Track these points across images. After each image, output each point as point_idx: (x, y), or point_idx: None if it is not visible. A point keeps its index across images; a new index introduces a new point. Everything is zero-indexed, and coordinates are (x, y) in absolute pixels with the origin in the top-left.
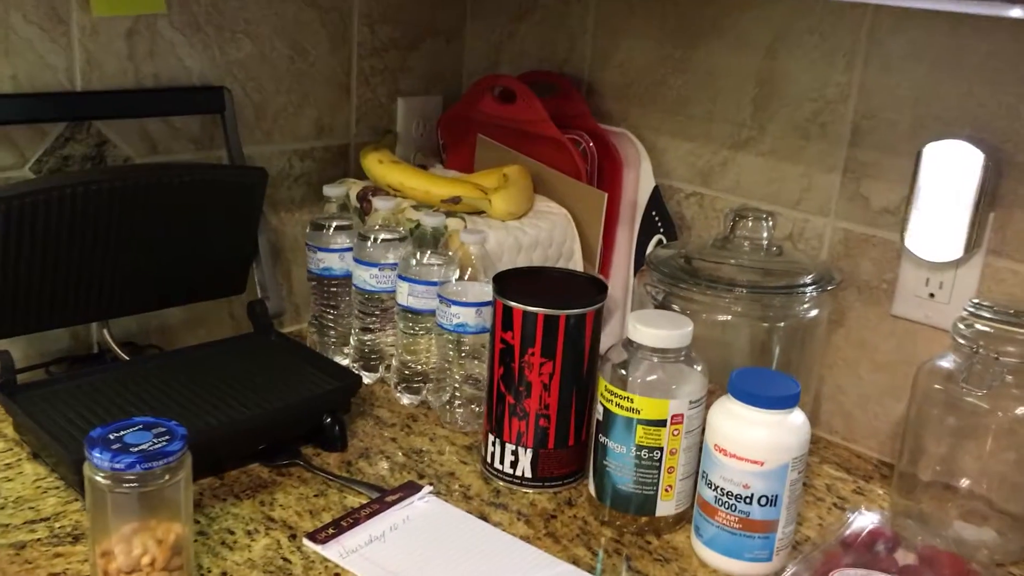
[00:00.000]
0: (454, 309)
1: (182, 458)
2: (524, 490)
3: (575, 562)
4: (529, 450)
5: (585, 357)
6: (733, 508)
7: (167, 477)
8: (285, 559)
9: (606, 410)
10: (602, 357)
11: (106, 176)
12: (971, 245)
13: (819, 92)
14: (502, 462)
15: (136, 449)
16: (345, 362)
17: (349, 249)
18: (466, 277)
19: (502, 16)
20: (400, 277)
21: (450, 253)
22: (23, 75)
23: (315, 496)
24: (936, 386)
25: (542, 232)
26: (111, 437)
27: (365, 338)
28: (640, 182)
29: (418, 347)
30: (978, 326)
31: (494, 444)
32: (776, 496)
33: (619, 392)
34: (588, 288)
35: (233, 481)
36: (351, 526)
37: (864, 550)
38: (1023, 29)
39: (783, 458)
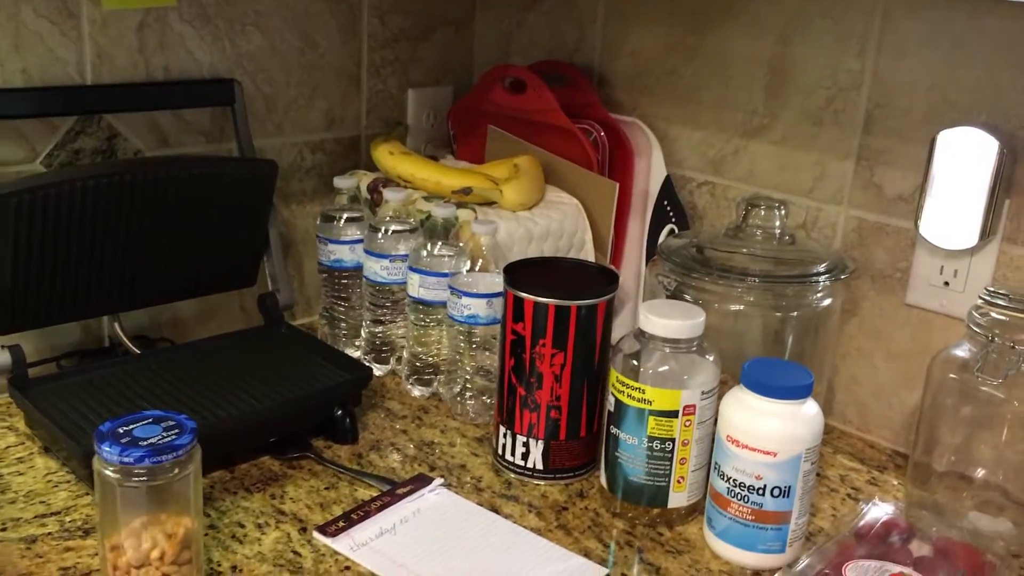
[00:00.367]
0: (465, 300)
1: (191, 452)
2: (535, 482)
3: (587, 554)
4: (540, 442)
5: (596, 348)
6: (746, 499)
7: (176, 471)
8: (295, 552)
9: (618, 401)
10: (614, 348)
11: (117, 169)
12: (986, 233)
13: (832, 79)
14: (513, 454)
15: (145, 443)
16: (356, 354)
17: (360, 241)
18: (477, 268)
19: (512, 6)
20: (411, 268)
21: (461, 244)
22: (34, 69)
23: (326, 489)
24: (951, 375)
25: (553, 223)
26: (120, 431)
27: (376, 330)
28: (651, 171)
29: (429, 339)
30: (993, 314)
31: (505, 436)
32: (789, 487)
33: (631, 383)
34: (599, 279)
35: (244, 474)
36: (361, 519)
37: (878, 541)
38: None
39: (796, 449)
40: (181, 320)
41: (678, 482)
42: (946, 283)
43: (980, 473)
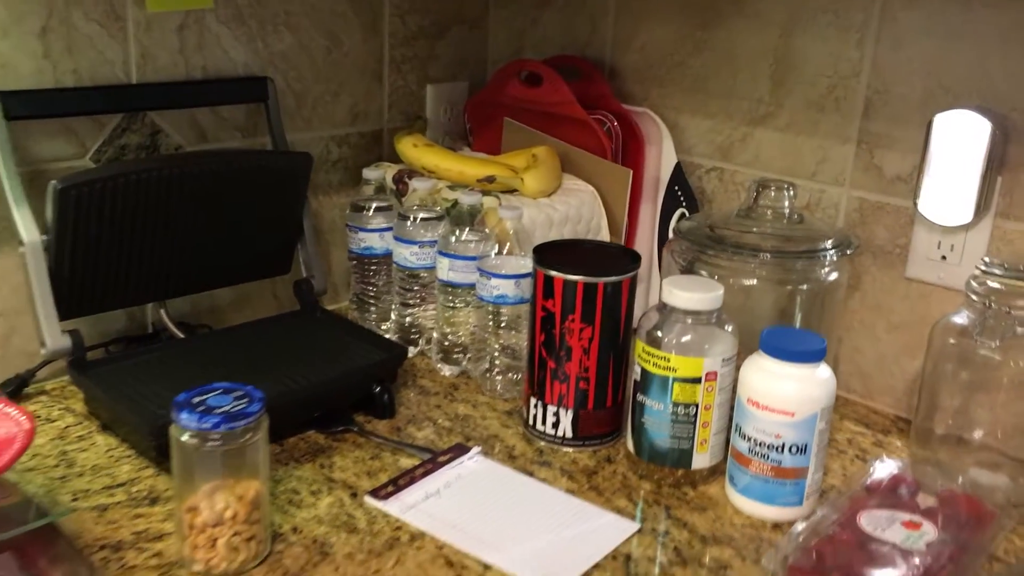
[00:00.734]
0: (494, 281)
1: (260, 419)
2: (565, 449)
3: (618, 512)
4: (570, 411)
5: (621, 322)
6: (766, 457)
7: (248, 436)
8: (349, 515)
9: (644, 370)
10: (639, 321)
11: (166, 164)
12: (980, 209)
13: (833, 68)
14: (544, 423)
15: (219, 411)
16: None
17: (388, 229)
18: (504, 252)
19: (525, 3)
20: (440, 253)
21: (486, 230)
22: (84, 70)
23: (371, 459)
24: (951, 341)
25: (571, 209)
26: (195, 400)
27: (405, 313)
28: (662, 159)
29: (457, 319)
30: (990, 283)
31: (536, 407)
32: (806, 444)
33: (656, 352)
34: (622, 257)
35: (292, 447)
36: (408, 484)
37: (887, 494)
38: None
39: (812, 408)
40: (219, 307)
41: (701, 444)
42: (943, 257)
43: (978, 435)
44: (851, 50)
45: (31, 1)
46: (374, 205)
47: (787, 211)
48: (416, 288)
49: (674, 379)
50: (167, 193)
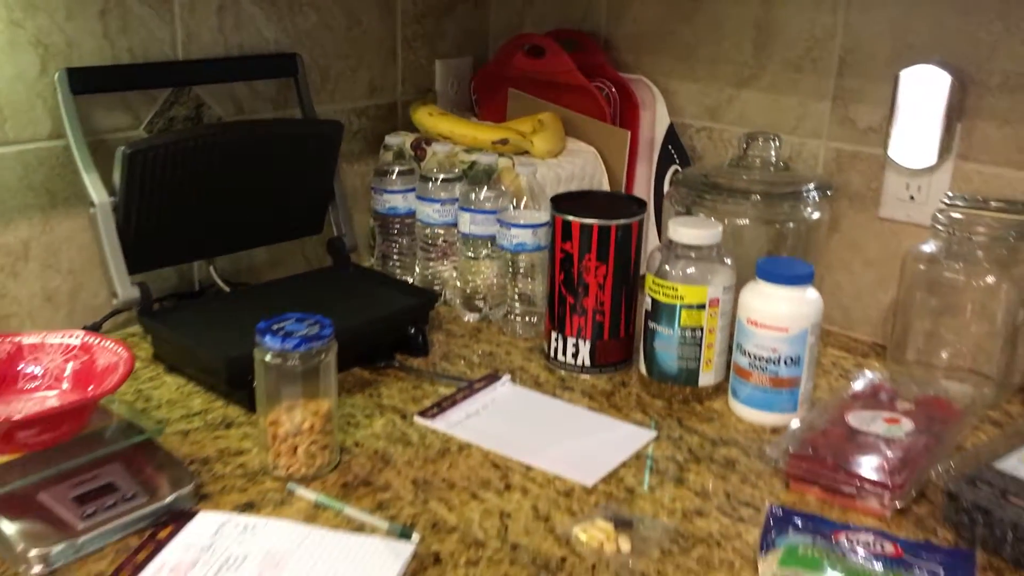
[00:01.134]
0: (514, 231)
1: (331, 342)
2: (584, 376)
3: (637, 424)
4: (588, 341)
5: (632, 260)
6: (764, 369)
7: (322, 356)
8: (402, 432)
9: (654, 300)
10: (648, 258)
11: (216, 131)
12: (943, 152)
13: (810, 32)
14: (564, 354)
15: (298, 334)
16: None
17: (410, 190)
18: (521, 206)
19: None
20: (462, 208)
21: (502, 187)
22: (137, 48)
23: (413, 388)
24: (920, 267)
25: (576, 168)
26: (275, 327)
27: (428, 267)
28: (656, 121)
29: (478, 269)
30: (953, 214)
31: (557, 340)
32: (799, 356)
33: (665, 283)
34: (630, 204)
35: (342, 381)
36: (450, 406)
37: (870, 398)
38: None
39: (803, 324)
40: (256, 267)
41: (707, 364)
42: (911, 197)
43: (945, 355)
44: (826, 16)
45: None
46: (397, 169)
47: (774, 160)
48: (439, 243)
49: (681, 306)
50: (218, 157)
